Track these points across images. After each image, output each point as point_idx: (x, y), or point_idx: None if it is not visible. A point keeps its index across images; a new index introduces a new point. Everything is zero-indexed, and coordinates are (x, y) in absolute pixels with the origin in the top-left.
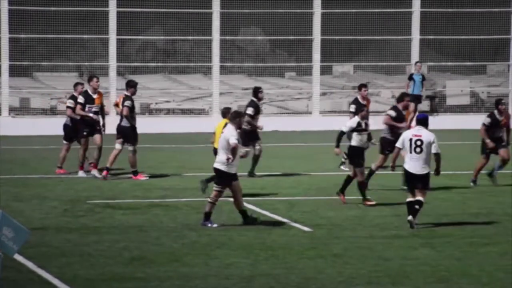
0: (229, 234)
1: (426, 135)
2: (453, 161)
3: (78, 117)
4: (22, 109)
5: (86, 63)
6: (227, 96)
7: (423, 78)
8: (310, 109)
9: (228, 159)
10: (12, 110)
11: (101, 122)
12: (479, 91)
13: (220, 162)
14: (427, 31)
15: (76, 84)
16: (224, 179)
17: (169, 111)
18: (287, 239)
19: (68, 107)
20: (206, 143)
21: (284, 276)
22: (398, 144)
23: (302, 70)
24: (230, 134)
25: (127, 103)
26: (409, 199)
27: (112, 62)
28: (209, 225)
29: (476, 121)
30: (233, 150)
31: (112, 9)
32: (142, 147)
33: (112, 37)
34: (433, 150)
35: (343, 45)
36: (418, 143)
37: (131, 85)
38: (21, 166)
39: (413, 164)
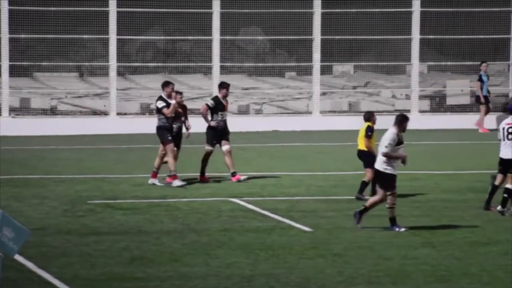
0: (229, 234)
1: None
2: (454, 161)
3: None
4: (22, 109)
5: (86, 63)
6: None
7: (488, 78)
8: (310, 109)
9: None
10: (12, 110)
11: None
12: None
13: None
14: (427, 30)
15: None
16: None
17: None
18: (288, 239)
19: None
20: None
21: (284, 276)
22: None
23: (302, 70)
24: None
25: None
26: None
27: (112, 62)
28: (397, 229)
29: (475, 121)
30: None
31: (112, 9)
32: (143, 147)
33: (112, 37)
34: None
35: (343, 45)
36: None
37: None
38: (21, 166)
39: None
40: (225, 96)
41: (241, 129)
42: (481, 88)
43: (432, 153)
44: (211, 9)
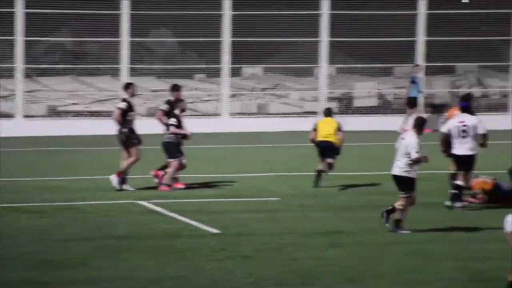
0: (138, 237)
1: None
2: (360, 162)
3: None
4: None
5: None
6: (136, 98)
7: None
8: (219, 110)
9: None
10: None
11: None
12: (386, 92)
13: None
14: (336, 33)
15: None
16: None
17: (77, 114)
18: (196, 241)
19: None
20: (115, 145)
21: (193, 278)
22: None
23: (211, 72)
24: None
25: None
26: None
27: (19, 64)
28: (401, 231)
29: (384, 122)
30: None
31: (19, 10)
32: (50, 150)
33: (19, 38)
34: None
35: (253, 47)
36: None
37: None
38: None
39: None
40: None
41: (150, 131)
42: (418, 90)
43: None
44: (120, 10)
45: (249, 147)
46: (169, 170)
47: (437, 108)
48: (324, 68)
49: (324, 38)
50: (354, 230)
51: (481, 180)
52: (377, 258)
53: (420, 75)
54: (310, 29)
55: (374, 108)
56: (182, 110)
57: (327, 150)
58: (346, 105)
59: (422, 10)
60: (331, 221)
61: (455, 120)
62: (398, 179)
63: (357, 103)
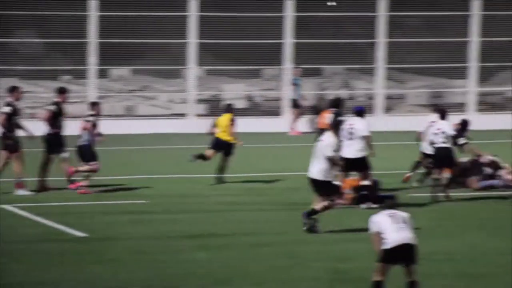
0: (3, 242)
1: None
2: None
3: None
4: None
5: None
6: None
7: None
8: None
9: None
10: None
11: None
12: (255, 94)
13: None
14: (205, 35)
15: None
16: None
17: None
18: (63, 245)
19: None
20: None
21: (57, 283)
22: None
23: (78, 73)
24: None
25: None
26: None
27: None
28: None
29: (253, 124)
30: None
31: None
32: None
33: None
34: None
35: (121, 48)
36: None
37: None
38: None
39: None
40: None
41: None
42: (300, 92)
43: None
44: None
45: (116, 149)
46: (83, 169)
47: (309, 110)
48: (192, 70)
49: (192, 40)
50: (222, 232)
51: (350, 179)
52: (245, 260)
53: (297, 76)
54: (178, 31)
55: (243, 110)
56: (97, 113)
57: (218, 146)
58: (215, 107)
59: (289, 12)
60: (200, 223)
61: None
62: (316, 182)
63: None
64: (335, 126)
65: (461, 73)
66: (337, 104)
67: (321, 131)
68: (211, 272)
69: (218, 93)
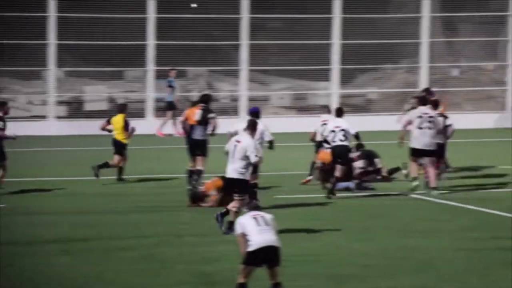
0: None
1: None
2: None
3: None
4: None
5: None
6: None
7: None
8: None
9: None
10: None
11: None
12: (117, 96)
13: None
14: (65, 35)
15: None
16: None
17: None
18: None
19: None
20: None
21: None
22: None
23: None
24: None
25: None
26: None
27: None
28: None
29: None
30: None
31: None
32: None
33: None
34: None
35: None
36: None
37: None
38: None
39: None
40: None
41: None
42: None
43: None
44: None
45: None
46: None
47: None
48: (52, 71)
49: (52, 41)
50: (83, 237)
51: (210, 181)
52: (107, 264)
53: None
54: (38, 31)
55: (105, 112)
56: (5, 113)
57: (115, 146)
58: (76, 109)
59: (151, 14)
60: (61, 227)
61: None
62: (234, 182)
63: (87, 107)
64: (252, 128)
65: (324, 75)
66: (205, 100)
67: (191, 127)
68: (70, 276)
69: (79, 95)
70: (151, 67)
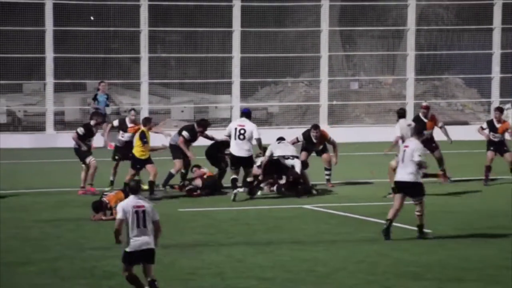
0: None
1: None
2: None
3: None
4: None
5: None
6: None
7: (108, 97)
8: None
9: None
10: None
11: None
12: (16, 109)
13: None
14: None
15: None
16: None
17: None
18: None
19: None
20: None
21: None
22: None
23: None
24: None
25: None
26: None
27: None
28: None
29: (14, 140)
30: None
31: None
32: None
33: None
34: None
35: None
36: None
37: None
38: None
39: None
40: None
41: None
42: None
43: None
44: None
45: None
46: None
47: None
48: None
49: None
50: None
51: (113, 194)
52: (6, 279)
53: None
54: None
55: (4, 125)
56: None
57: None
58: None
59: (49, 26)
60: None
61: (234, 123)
62: (409, 185)
63: None
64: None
65: (225, 89)
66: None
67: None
68: None
69: None
70: (50, 80)
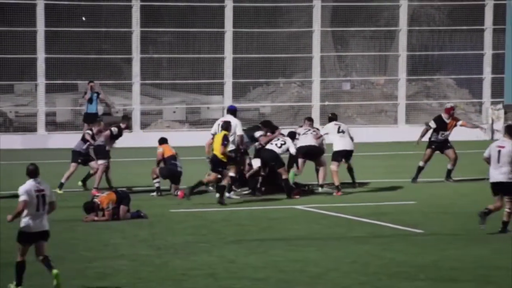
0: None
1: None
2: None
3: None
4: None
5: None
6: None
7: (98, 96)
8: None
9: None
10: None
11: None
12: (7, 110)
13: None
14: None
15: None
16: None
17: None
18: None
19: None
20: None
21: None
22: None
23: None
24: None
25: None
26: None
27: None
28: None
29: (6, 141)
30: None
31: None
32: None
33: None
34: None
35: None
36: None
37: None
38: None
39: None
40: None
41: None
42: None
43: None
44: None
45: None
46: None
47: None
48: None
49: None
50: None
51: (105, 195)
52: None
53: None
54: None
55: None
56: None
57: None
58: None
59: (40, 27)
60: None
61: (219, 120)
62: (504, 185)
63: None
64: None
65: (217, 89)
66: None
67: None
68: None
69: None
70: (41, 80)
